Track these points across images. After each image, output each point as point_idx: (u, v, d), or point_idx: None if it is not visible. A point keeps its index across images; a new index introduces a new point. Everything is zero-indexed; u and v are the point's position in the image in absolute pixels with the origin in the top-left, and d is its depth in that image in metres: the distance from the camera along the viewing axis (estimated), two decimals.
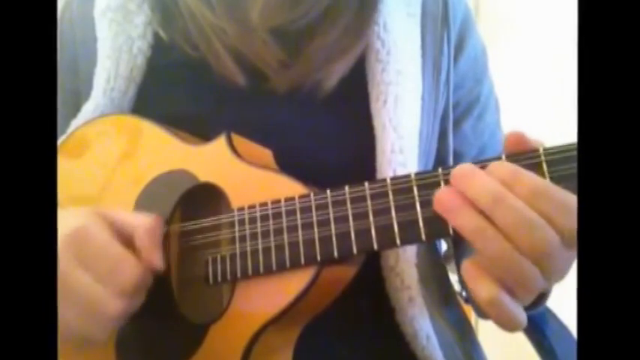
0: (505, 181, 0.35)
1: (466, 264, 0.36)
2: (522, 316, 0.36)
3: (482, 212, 0.35)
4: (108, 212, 0.44)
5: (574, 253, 0.36)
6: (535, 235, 0.34)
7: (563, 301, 0.54)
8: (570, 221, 0.34)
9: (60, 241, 0.40)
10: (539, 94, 1.43)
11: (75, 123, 0.55)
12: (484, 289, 0.35)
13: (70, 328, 0.40)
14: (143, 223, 0.43)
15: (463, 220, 0.35)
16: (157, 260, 0.42)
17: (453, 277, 0.60)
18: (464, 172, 0.36)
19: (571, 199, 0.34)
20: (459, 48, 0.60)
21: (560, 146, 0.36)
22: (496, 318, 0.36)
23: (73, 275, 0.40)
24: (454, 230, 0.37)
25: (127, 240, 0.42)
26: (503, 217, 0.34)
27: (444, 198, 0.36)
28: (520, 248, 0.34)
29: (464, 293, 0.59)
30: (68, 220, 0.41)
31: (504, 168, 0.35)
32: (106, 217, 0.43)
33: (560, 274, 0.36)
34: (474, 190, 0.35)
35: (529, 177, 0.35)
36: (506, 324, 0.36)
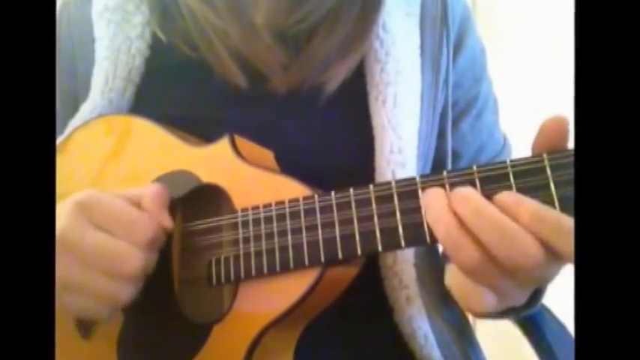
0: (505, 207, 0.35)
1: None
2: (487, 299, 0.36)
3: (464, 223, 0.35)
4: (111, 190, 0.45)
5: (558, 264, 0.35)
6: (513, 247, 0.33)
7: (561, 301, 0.55)
8: (569, 245, 0.33)
9: (67, 211, 0.41)
10: (537, 94, 1.43)
11: (73, 123, 0.55)
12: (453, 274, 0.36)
13: (93, 294, 0.41)
14: (149, 190, 0.44)
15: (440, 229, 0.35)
16: (166, 220, 0.44)
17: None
18: (458, 190, 0.36)
19: (571, 224, 0.33)
20: (458, 47, 0.60)
21: (564, 151, 0.36)
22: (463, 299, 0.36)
23: (90, 236, 0.41)
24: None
25: (135, 206, 0.43)
26: (480, 229, 0.34)
27: (426, 199, 0.37)
28: (497, 260, 0.34)
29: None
30: (70, 197, 0.42)
31: (508, 196, 0.35)
32: (109, 192, 0.44)
33: (545, 281, 0.36)
34: (460, 203, 0.35)
35: (531, 203, 0.34)
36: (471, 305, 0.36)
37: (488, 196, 0.36)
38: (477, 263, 0.34)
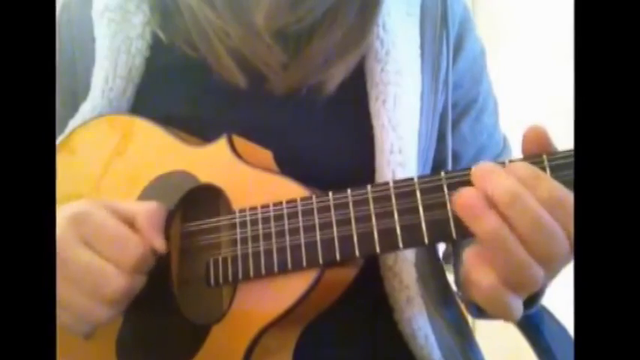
0: (526, 182, 0.35)
1: (469, 253, 0.36)
2: (519, 306, 0.36)
3: (500, 213, 0.34)
4: (108, 201, 0.44)
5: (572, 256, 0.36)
6: (551, 244, 0.34)
7: (561, 301, 0.55)
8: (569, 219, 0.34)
9: (60, 224, 0.41)
10: (537, 94, 1.44)
11: (73, 123, 0.55)
12: (486, 277, 0.35)
13: (73, 311, 0.41)
14: (144, 209, 0.44)
15: (484, 226, 0.35)
16: (159, 242, 0.43)
17: (451, 277, 0.61)
18: (484, 169, 0.36)
19: (567, 194, 0.34)
20: (458, 48, 0.60)
21: (563, 151, 0.36)
22: (493, 307, 0.36)
23: (76, 253, 0.40)
24: (466, 234, 0.36)
25: (128, 224, 0.43)
26: (521, 219, 0.34)
27: (467, 200, 0.35)
28: (534, 253, 0.34)
29: (460, 293, 0.59)
30: (68, 208, 0.42)
31: (525, 169, 0.35)
32: (106, 203, 0.44)
33: (557, 274, 0.37)
34: (493, 187, 0.35)
35: (550, 181, 0.35)
36: (503, 313, 0.36)
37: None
38: (519, 262, 0.34)
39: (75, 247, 0.41)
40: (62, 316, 0.41)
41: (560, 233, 0.34)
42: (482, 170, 0.36)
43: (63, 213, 0.41)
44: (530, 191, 0.34)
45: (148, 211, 0.43)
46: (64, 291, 0.40)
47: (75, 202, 0.43)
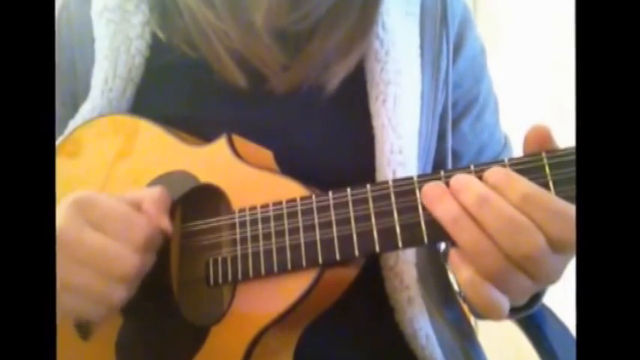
0: (496, 186, 0.36)
1: (451, 251, 0.37)
2: (504, 303, 0.36)
3: (473, 219, 0.35)
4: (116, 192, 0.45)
5: (566, 257, 0.36)
6: (519, 239, 0.34)
7: (563, 301, 0.54)
8: (561, 229, 0.34)
9: (64, 210, 0.41)
10: (537, 94, 1.44)
11: (73, 124, 0.55)
12: (464, 270, 0.36)
13: (89, 295, 0.41)
14: (149, 193, 0.44)
15: (441, 211, 0.37)
16: (165, 222, 0.44)
17: (452, 277, 0.60)
18: (459, 179, 0.37)
19: (564, 206, 0.34)
20: (458, 47, 0.59)
21: (563, 149, 0.36)
22: (477, 301, 0.36)
23: (86, 237, 0.41)
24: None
25: (134, 208, 0.43)
26: (487, 219, 0.35)
27: (427, 190, 0.38)
28: (503, 249, 0.35)
29: (462, 292, 0.59)
30: (69, 196, 0.42)
31: (497, 173, 0.36)
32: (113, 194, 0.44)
33: (553, 278, 0.37)
34: (465, 195, 0.36)
35: (521, 182, 0.35)
36: (487, 308, 0.36)
37: (480, 176, 0.37)
38: (483, 248, 0.35)
39: (83, 230, 0.41)
40: (76, 302, 0.41)
41: (534, 231, 0.34)
42: (457, 180, 0.37)
43: (65, 200, 0.41)
44: (502, 194, 0.35)
45: (153, 195, 0.44)
46: (76, 275, 0.40)
47: (76, 192, 0.43)
